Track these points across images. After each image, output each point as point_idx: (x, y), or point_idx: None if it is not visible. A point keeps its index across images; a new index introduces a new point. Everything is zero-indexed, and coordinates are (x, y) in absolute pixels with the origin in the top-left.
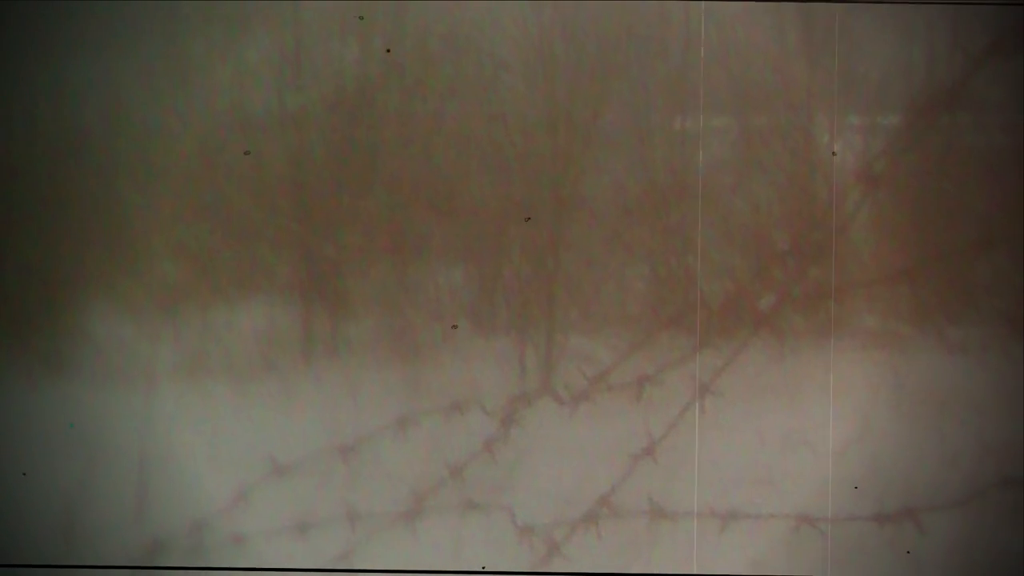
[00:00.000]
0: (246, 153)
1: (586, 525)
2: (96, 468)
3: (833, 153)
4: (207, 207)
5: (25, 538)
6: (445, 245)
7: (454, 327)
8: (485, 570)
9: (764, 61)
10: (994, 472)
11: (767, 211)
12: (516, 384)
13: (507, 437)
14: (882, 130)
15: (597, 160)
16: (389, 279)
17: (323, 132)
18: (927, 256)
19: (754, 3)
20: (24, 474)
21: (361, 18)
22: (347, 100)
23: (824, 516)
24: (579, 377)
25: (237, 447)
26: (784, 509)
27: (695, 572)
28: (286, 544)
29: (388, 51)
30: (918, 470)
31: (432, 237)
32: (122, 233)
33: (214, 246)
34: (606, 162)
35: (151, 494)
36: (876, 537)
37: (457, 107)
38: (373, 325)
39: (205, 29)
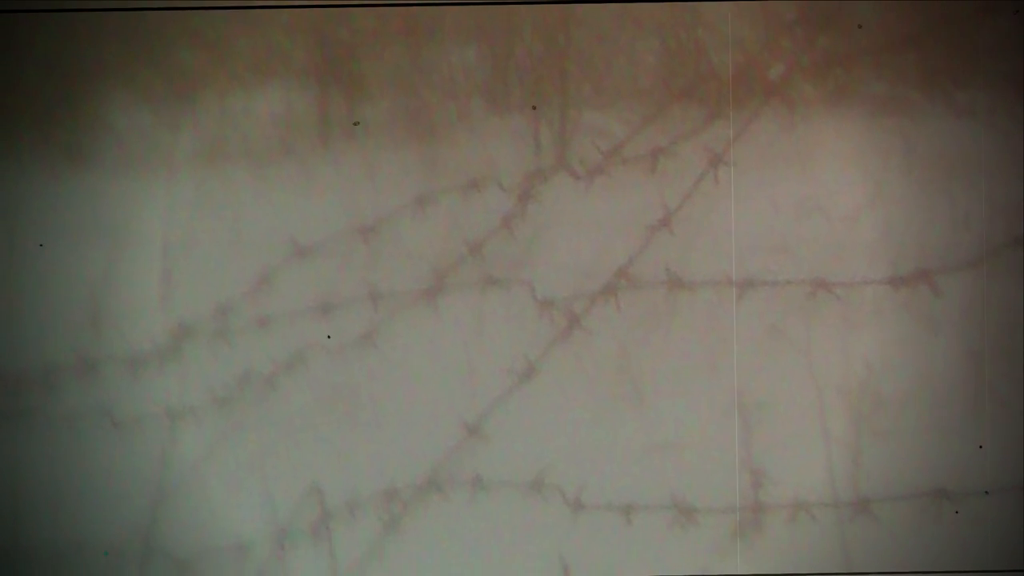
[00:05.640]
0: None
1: (605, 297)
2: (121, 256)
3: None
4: None
5: (53, 327)
6: (457, 25)
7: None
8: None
9: None
10: (1005, 232)
11: None
12: (532, 160)
13: (524, 213)
14: None
15: None
16: (403, 60)
17: None
18: (932, 22)
19: None
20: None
21: None
22: None
23: (839, 281)
24: (593, 151)
25: (258, 231)
26: (800, 275)
27: (715, 341)
28: (310, 325)
29: None
30: (930, 232)
31: (444, 17)
32: (138, 23)
33: (230, 33)
34: None
35: (175, 280)
36: (891, 300)
37: None
38: (389, 106)
39: None
